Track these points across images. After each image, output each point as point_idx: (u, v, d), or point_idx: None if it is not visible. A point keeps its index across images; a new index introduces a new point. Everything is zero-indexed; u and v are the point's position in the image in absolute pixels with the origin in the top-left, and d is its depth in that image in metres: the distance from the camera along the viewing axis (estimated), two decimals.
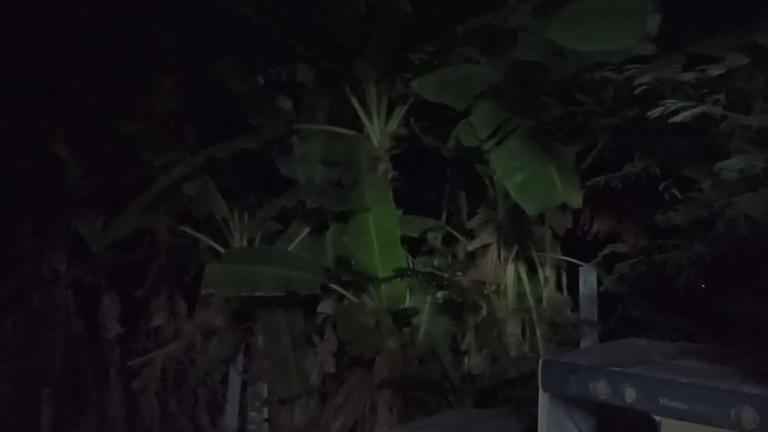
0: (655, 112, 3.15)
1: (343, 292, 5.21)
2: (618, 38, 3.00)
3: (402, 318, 5.11)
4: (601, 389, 2.76)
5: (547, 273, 4.76)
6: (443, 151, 5.18)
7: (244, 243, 6.03)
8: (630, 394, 2.68)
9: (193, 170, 5.99)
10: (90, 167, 6.68)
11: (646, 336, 3.93)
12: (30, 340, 6.90)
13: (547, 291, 4.75)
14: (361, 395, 4.97)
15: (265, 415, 5.75)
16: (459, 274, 4.78)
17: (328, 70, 5.87)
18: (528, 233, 4.75)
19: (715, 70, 3.08)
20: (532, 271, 4.84)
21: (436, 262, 5.27)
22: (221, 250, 5.98)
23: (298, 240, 5.75)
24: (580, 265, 4.78)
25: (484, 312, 4.53)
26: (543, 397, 2.97)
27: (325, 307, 5.35)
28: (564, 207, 4.45)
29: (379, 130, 5.66)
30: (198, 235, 6.23)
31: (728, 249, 3.18)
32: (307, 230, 5.84)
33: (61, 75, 6.07)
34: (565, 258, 4.89)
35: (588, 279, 4.50)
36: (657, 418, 2.58)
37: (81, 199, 6.77)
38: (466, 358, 4.85)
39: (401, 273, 4.84)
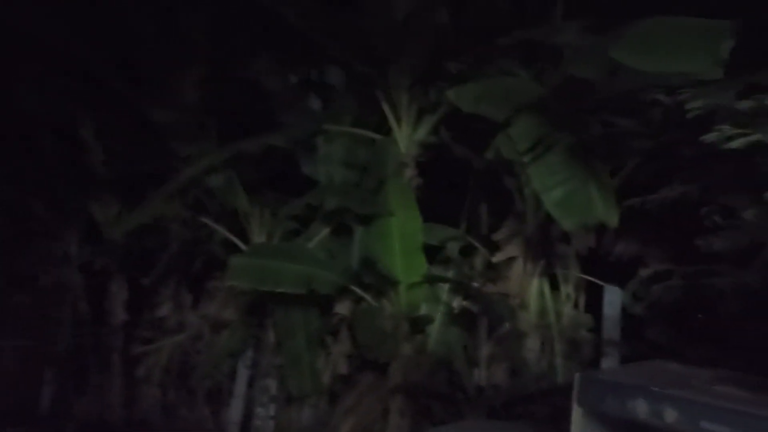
0: (710, 137, 3.16)
1: (363, 294, 5.17)
2: (690, 62, 3.01)
3: (416, 325, 5.08)
4: (641, 408, 2.73)
5: (569, 291, 4.74)
6: (474, 162, 5.18)
7: (263, 239, 6.00)
8: (671, 415, 2.65)
9: (218, 163, 5.99)
10: (114, 153, 6.65)
11: (676, 361, 3.91)
12: (37, 319, 6.83)
13: (568, 309, 4.73)
14: (373, 399, 4.92)
15: (272, 411, 5.68)
16: (482, 284, 4.75)
17: (360, 74, 5.89)
18: (553, 250, 4.74)
19: None
20: (553, 287, 4.83)
21: (451, 273, 5.25)
22: (240, 244, 5.94)
23: (317, 239, 5.72)
24: (601, 285, 4.76)
25: (508, 324, 4.50)
26: (577, 413, 2.94)
27: (342, 308, 5.32)
28: (595, 227, 4.44)
29: (407, 136, 5.67)
30: (217, 227, 6.19)
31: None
32: (326, 231, 5.81)
33: (94, 58, 6.08)
34: (587, 277, 4.88)
35: (612, 300, 4.48)
36: None
37: (101, 184, 6.74)
38: (476, 370, 4.82)
39: (430, 279, 4.81)
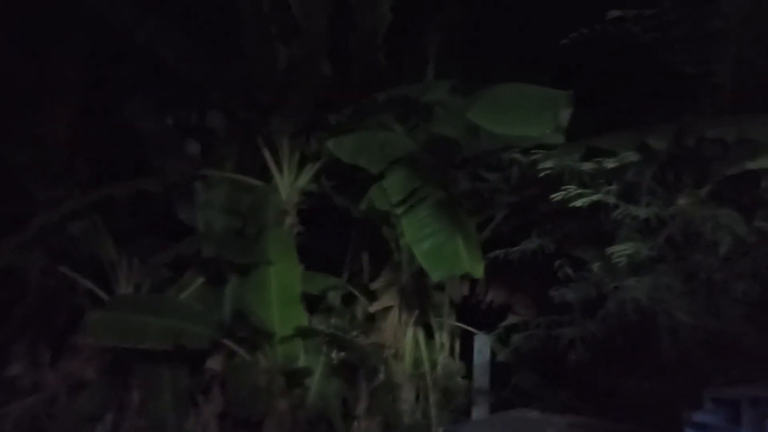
0: (557, 196, 3.40)
1: (236, 348, 4.94)
2: (534, 126, 3.26)
3: (294, 378, 4.91)
4: None
5: (443, 339, 4.82)
6: (353, 211, 5.22)
7: (131, 289, 5.59)
8: None
9: (82, 208, 5.57)
10: None
11: (534, 407, 4.07)
12: None
13: (442, 357, 4.80)
14: None
15: None
16: (357, 335, 4.71)
17: (242, 120, 5.81)
18: (428, 299, 4.83)
19: (610, 163, 3.40)
20: (428, 336, 4.89)
21: (333, 321, 5.17)
22: (104, 295, 5.49)
23: (190, 290, 5.42)
24: (474, 333, 4.90)
25: (382, 376, 4.47)
26: None
27: (213, 364, 5.02)
28: (462, 276, 4.60)
29: (288, 184, 5.61)
30: (78, 277, 5.69)
31: (616, 329, 3.42)
32: (201, 281, 5.54)
33: None
34: (460, 325, 5.00)
35: (482, 348, 4.62)
36: None
37: None
38: (356, 423, 4.73)
39: (303, 332, 4.69)
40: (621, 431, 3.07)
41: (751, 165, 3.06)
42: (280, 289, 4.98)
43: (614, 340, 3.42)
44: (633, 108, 3.79)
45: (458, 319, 5.03)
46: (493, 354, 4.76)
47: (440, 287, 4.94)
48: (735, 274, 3.08)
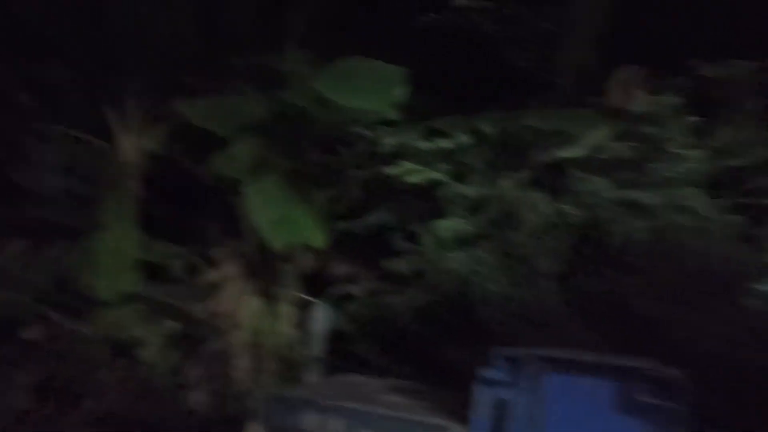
0: (394, 171, 3.53)
1: (57, 316, 4.55)
2: (372, 100, 3.34)
3: (122, 349, 4.64)
4: (311, 422, 2.84)
5: (285, 309, 4.81)
6: (202, 178, 5.02)
7: None
8: (336, 426, 2.81)
9: None
10: None
11: (366, 374, 4.20)
12: None
13: (284, 327, 4.80)
14: None
15: None
16: (196, 304, 4.56)
17: (87, 73, 5.34)
18: (272, 269, 4.79)
19: (445, 144, 3.60)
20: (271, 307, 4.86)
21: (172, 290, 4.96)
22: None
23: (8, 254, 4.90)
24: (314, 304, 4.95)
25: (217, 345, 4.37)
26: (255, 430, 2.95)
27: (31, 333, 4.59)
28: (309, 247, 4.62)
29: (132, 145, 5.26)
30: None
31: (439, 299, 3.64)
32: (23, 244, 5.03)
33: None
34: (304, 296, 5.03)
35: (320, 317, 4.68)
36: None
37: None
38: (188, 393, 4.59)
39: (132, 300, 4.43)
40: (436, 392, 3.27)
41: (562, 153, 3.38)
42: (113, 256, 4.67)
43: (438, 308, 3.63)
44: (471, 94, 4.03)
45: (307, 291, 5.05)
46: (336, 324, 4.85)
47: (285, 258, 4.93)
48: (541, 250, 3.39)
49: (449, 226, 3.56)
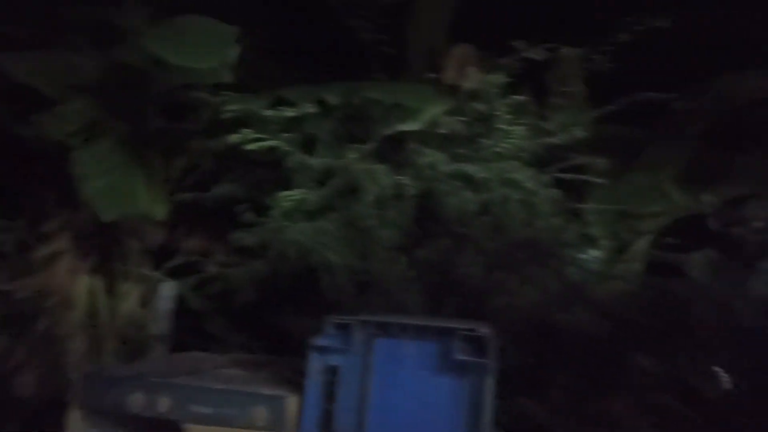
0: (235, 138, 3.42)
1: None
2: (201, 59, 3.17)
3: None
4: (137, 401, 2.71)
5: (128, 287, 4.53)
6: (30, 142, 4.52)
7: None
8: (164, 404, 2.70)
9: None
10: None
11: (215, 350, 4.10)
12: None
13: (127, 306, 4.51)
14: None
15: None
16: (21, 282, 4.13)
17: None
18: (114, 244, 4.47)
19: (290, 113, 3.54)
20: (111, 284, 4.55)
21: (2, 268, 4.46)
22: None
23: None
24: (160, 282, 4.72)
25: (44, 326, 4.01)
26: (75, 415, 2.76)
27: None
28: (152, 220, 4.36)
29: None
30: None
31: (282, 270, 3.62)
32: None
33: None
34: (150, 273, 4.76)
35: (165, 294, 4.47)
36: (185, 425, 2.66)
37: None
38: (12, 378, 4.19)
39: None
40: (277, 363, 3.27)
41: (402, 127, 3.47)
42: None
43: (281, 280, 3.61)
44: (318, 64, 3.99)
45: (157, 268, 4.78)
46: (184, 302, 4.66)
47: (130, 232, 4.62)
48: (382, 222, 3.48)
49: (293, 196, 3.52)
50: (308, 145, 3.72)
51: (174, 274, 4.55)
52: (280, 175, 3.92)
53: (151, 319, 4.63)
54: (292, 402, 2.65)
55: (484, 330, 2.52)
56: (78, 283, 4.24)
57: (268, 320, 4.07)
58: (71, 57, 4.35)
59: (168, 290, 4.43)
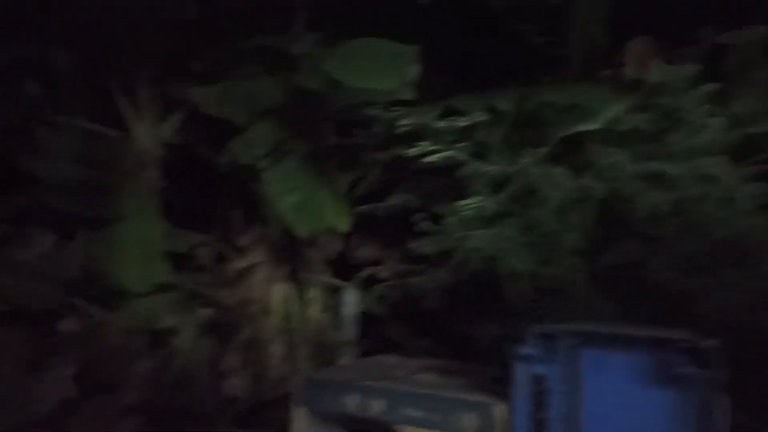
0: (413, 151, 3.56)
1: (90, 308, 4.66)
2: (384, 80, 3.34)
3: (157, 338, 4.76)
4: (352, 402, 2.95)
5: (314, 294, 4.91)
6: (221, 166, 5.06)
7: None
8: (377, 406, 2.91)
9: None
10: None
11: (399, 354, 4.32)
12: None
13: (314, 312, 4.89)
14: (102, 424, 4.45)
15: None
16: (225, 292, 4.65)
17: (92, 60, 5.31)
18: (299, 254, 4.86)
19: (462, 122, 3.61)
20: (300, 292, 4.95)
21: (201, 279, 5.05)
22: None
23: (34, 247, 4.98)
24: (342, 288, 5.04)
25: (249, 332, 4.48)
26: (299, 414, 3.06)
27: (66, 325, 4.71)
28: (335, 232, 4.68)
29: (148, 134, 5.27)
30: None
31: (465, 277, 3.71)
32: (48, 236, 5.10)
33: None
34: (333, 280, 5.11)
35: (349, 300, 4.77)
36: (398, 427, 2.85)
37: None
38: (224, 380, 4.72)
39: (159, 289, 4.52)
40: (468, 370, 3.37)
41: (581, 128, 3.39)
42: (139, 246, 4.72)
43: (464, 287, 3.71)
44: (484, 71, 4.01)
45: (335, 275, 5.13)
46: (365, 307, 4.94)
47: (311, 243, 5.00)
48: (565, 226, 3.44)
49: (471, 204, 3.59)
50: (481, 153, 3.76)
51: (353, 281, 4.85)
52: (453, 184, 4.02)
53: (336, 324, 4.98)
54: (500, 409, 2.73)
55: (708, 341, 2.40)
56: (274, 292, 4.68)
57: (448, 326, 4.20)
58: (252, 85, 4.79)
59: (351, 297, 4.72)
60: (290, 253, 4.79)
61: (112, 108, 5.32)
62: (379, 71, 3.41)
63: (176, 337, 4.80)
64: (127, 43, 5.08)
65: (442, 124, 3.62)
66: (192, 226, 5.29)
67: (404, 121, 3.68)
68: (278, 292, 4.70)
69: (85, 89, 5.53)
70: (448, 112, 3.74)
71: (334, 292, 5.08)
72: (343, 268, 5.02)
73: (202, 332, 4.86)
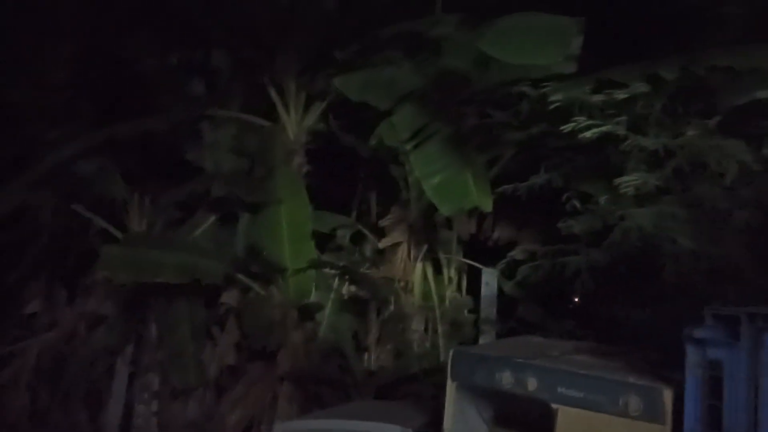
0: (567, 128, 3.43)
1: (250, 283, 5.09)
2: (544, 54, 3.25)
3: (306, 312, 5.09)
4: (506, 379, 2.94)
5: (451, 274, 4.97)
6: (361, 150, 5.26)
7: (143, 228, 5.72)
8: (532, 384, 2.87)
9: (91, 148, 5.61)
10: None
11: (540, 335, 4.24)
12: None
13: (450, 291, 4.96)
14: (261, 388, 4.87)
15: (155, 407, 5.45)
16: (368, 269, 4.86)
17: (247, 59, 5.76)
18: (437, 235, 4.94)
19: (620, 95, 3.42)
20: (437, 271, 5.03)
21: (343, 259, 5.31)
22: (118, 234, 5.61)
23: (202, 228, 5.55)
24: (482, 269, 5.04)
25: (392, 307, 4.64)
26: (451, 387, 3.10)
27: (229, 298, 5.20)
28: (469, 213, 4.69)
29: (296, 124, 5.62)
30: (92, 216, 5.79)
31: (620, 258, 3.53)
32: (212, 219, 5.66)
33: None
34: (468, 261, 5.13)
35: (489, 281, 4.77)
36: (555, 405, 2.79)
37: None
38: (366, 354, 4.95)
39: (314, 264, 4.83)
40: (622, 353, 3.22)
41: (762, 94, 3.08)
42: (291, 227, 5.08)
43: (617, 268, 3.53)
44: (642, 39, 3.76)
45: (465, 255, 5.17)
46: (500, 288, 4.92)
47: (448, 224, 5.06)
48: (738, 202, 3.15)
49: (630, 181, 3.40)
50: (640, 126, 3.54)
51: (491, 262, 4.84)
52: (601, 161, 3.83)
53: (471, 303, 5.01)
54: (667, 394, 2.58)
55: None
56: (414, 271, 4.81)
57: (593, 309, 4.05)
58: (393, 71, 4.92)
59: (490, 277, 4.72)
60: (428, 234, 4.88)
61: (265, 101, 5.76)
62: (539, 46, 3.31)
63: (322, 312, 5.10)
64: (276, 41, 5.44)
65: (597, 97, 3.45)
66: (333, 208, 5.58)
67: (554, 97, 3.55)
68: (418, 271, 4.82)
69: (240, 85, 6.04)
70: (603, 85, 3.55)
71: (471, 272, 5.10)
72: (480, 248, 5.02)
73: (347, 307, 5.12)
